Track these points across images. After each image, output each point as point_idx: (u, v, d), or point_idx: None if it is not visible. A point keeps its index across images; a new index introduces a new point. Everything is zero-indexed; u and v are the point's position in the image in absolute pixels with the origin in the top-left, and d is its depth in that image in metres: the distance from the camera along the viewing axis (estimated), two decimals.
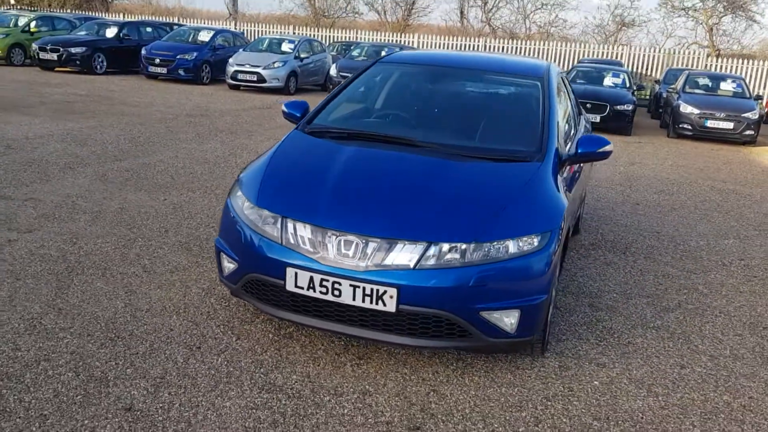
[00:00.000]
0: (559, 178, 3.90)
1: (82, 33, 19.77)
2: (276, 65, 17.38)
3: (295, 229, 3.32)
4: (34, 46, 18.62)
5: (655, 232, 6.63)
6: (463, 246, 3.18)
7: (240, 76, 17.35)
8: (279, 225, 3.36)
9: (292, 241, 3.30)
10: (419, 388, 3.30)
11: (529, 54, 24.79)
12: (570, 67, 20.89)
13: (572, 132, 4.88)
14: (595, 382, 3.53)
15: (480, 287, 3.15)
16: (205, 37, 19.51)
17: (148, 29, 21.06)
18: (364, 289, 3.15)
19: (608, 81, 16.57)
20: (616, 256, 5.75)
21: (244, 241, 3.45)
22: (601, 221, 6.89)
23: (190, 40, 19.52)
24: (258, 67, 17.26)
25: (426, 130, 4.33)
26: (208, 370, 3.29)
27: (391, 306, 3.14)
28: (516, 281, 3.26)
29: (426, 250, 3.16)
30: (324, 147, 3.93)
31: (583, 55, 24.95)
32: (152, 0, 41.13)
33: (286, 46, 18.71)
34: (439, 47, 25.97)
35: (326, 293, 3.21)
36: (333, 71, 17.76)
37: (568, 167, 4.19)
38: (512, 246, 3.25)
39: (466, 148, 3.89)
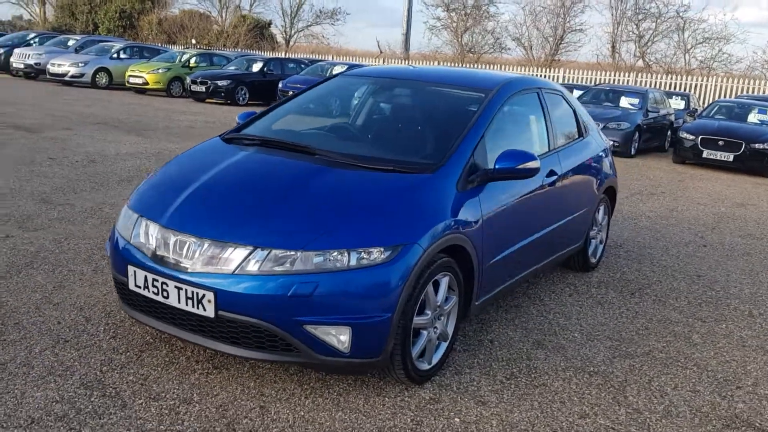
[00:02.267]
0: (471, 196, 3.56)
1: (231, 68, 21.41)
2: None
3: (146, 228, 3.31)
4: (188, 79, 20.46)
5: (695, 276, 5.80)
6: (292, 253, 2.98)
7: None
8: (134, 224, 3.38)
9: (142, 240, 3.29)
10: (247, 403, 3.11)
11: (685, 89, 23.07)
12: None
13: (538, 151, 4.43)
14: (456, 419, 3.12)
15: (302, 298, 2.93)
16: (338, 70, 20.30)
17: (291, 65, 22.35)
18: (186, 291, 3.05)
19: (753, 117, 14.96)
20: (618, 297, 5.10)
21: (111, 241, 3.50)
22: (636, 260, 6.16)
23: (326, 74, 20.44)
24: None
25: (336, 139, 4.17)
26: (53, 362, 3.33)
27: (210, 311, 3.01)
28: (348, 295, 2.98)
29: (250, 254, 3.00)
30: (222, 153, 3.88)
31: (749, 92, 22.76)
32: (329, 42, 43.76)
33: None
34: (587, 81, 24.95)
35: (157, 294, 3.15)
36: None
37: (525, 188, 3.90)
38: (352, 257, 3.00)
39: (362, 158, 3.66)
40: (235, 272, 2.98)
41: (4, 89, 18.96)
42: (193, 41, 34.18)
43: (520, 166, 3.68)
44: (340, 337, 3.00)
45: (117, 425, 2.85)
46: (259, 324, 2.96)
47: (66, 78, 21.64)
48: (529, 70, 26.19)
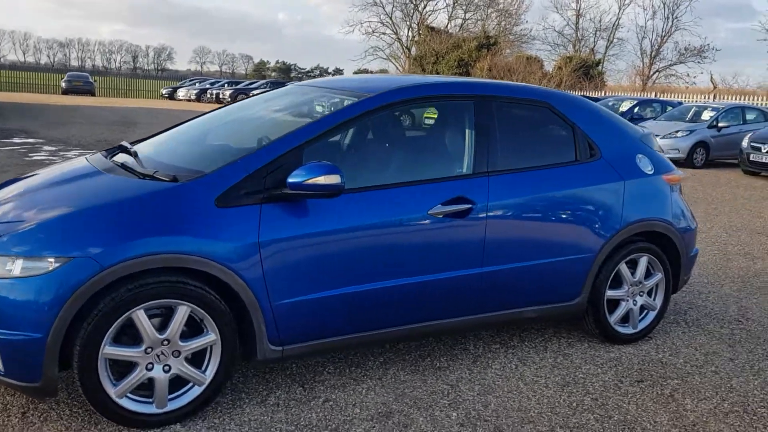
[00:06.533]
0: (244, 215, 2.97)
1: None
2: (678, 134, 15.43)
3: None
4: None
5: None
6: None
7: None
8: None
9: None
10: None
11: None
12: None
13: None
14: None
15: None
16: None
17: None
18: None
19: None
20: (610, 382, 3.66)
21: None
22: (729, 342, 4.34)
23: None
24: (656, 136, 15.61)
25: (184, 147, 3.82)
26: None
27: None
28: None
29: None
30: (80, 163, 3.84)
31: None
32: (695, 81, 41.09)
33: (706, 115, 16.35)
34: None
35: None
36: (744, 143, 14.53)
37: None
38: (17, 264, 2.73)
39: (160, 165, 3.30)
40: None
41: None
42: None
43: (309, 182, 2.94)
44: None
45: None
46: None
47: None
48: None
